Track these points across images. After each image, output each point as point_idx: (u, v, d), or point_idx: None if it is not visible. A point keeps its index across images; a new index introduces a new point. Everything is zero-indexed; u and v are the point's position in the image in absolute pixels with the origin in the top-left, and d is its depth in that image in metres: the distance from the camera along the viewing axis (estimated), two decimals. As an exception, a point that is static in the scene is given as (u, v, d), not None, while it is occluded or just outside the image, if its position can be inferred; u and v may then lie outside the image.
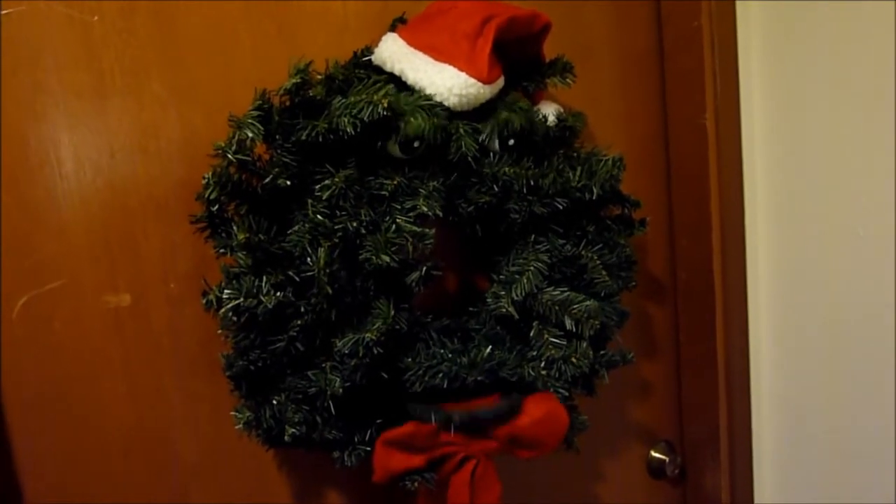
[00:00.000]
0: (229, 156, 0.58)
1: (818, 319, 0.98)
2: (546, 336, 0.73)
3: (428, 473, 0.68)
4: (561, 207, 0.72)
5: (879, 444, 0.94)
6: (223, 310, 0.60)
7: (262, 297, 0.59)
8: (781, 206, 0.99)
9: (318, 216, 0.62)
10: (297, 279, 0.61)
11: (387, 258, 0.61)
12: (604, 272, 0.76)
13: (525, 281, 0.72)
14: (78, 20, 0.63)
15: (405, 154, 0.66)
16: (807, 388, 1.01)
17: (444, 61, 0.66)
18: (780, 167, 0.98)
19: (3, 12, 0.61)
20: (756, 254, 1.01)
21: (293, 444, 0.64)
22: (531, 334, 0.74)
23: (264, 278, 0.60)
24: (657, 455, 1.05)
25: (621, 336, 0.81)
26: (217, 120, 0.65)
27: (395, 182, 0.65)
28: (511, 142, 0.71)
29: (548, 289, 0.73)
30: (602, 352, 0.78)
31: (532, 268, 0.73)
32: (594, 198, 0.73)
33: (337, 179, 0.62)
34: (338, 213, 0.63)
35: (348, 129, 0.61)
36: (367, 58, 0.69)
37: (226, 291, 0.59)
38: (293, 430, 0.62)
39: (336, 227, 0.62)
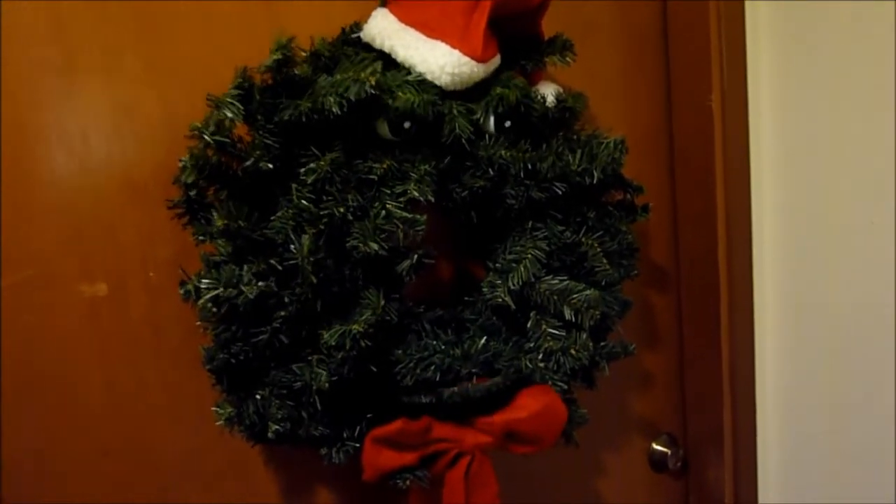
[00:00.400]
0: (206, 137, 0.54)
1: (826, 311, 0.95)
2: (544, 327, 0.70)
3: (420, 471, 0.65)
4: (560, 192, 0.69)
5: (888, 442, 0.91)
6: (202, 300, 0.56)
7: (242, 287, 0.56)
8: (790, 193, 0.96)
9: (303, 201, 0.58)
10: (279, 268, 0.57)
11: (375, 246, 0.58)
12: (605, 260, 0.73)
13: (522, 269, 0.69)
14: (47, -8, 0.60)
15: (395, 136, 0.63)
16: (814, 382, 0.99)
17: (437, 38, 0.63)
18: (789, 152, 0.95)
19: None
20: (762, 242, 0.98)
21: (277, 441, 0.61)
22: (529, 325, 0.71)
23: (245, 267, 0.57)
24: (659, 448, 1.03)
25: (622, 326, 0.78)
26: (198, 99, 0.61)
27: (385, 166, 0.62)
28: (507, 123, 0.68)
29: (546, 277, 0.70)
30: (602, 343, 0.76)
31: (529, 255, 0.70)
32: (595, 182, 0.70)
33: (322, 163, 0.58)
34: (324, 198, 0.59)
35: (334, 109, 0.57)
36: (355, 34, 0.66)
37: (204, 281, 0.56)
38: (277, 426, 0.59)
39: (322, 212, 0.58)
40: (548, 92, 0.72)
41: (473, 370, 0.65)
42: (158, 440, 0.68)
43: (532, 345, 0.70)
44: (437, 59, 0.62)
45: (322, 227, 0.58)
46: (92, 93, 0.62)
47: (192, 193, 0.57)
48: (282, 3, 0.69)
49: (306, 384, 0.59)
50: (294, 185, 0.59)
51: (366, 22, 0.65)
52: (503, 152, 0.66)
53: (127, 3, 0.63)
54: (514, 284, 0.68)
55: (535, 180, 0.68)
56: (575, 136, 0.72)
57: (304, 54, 0.61)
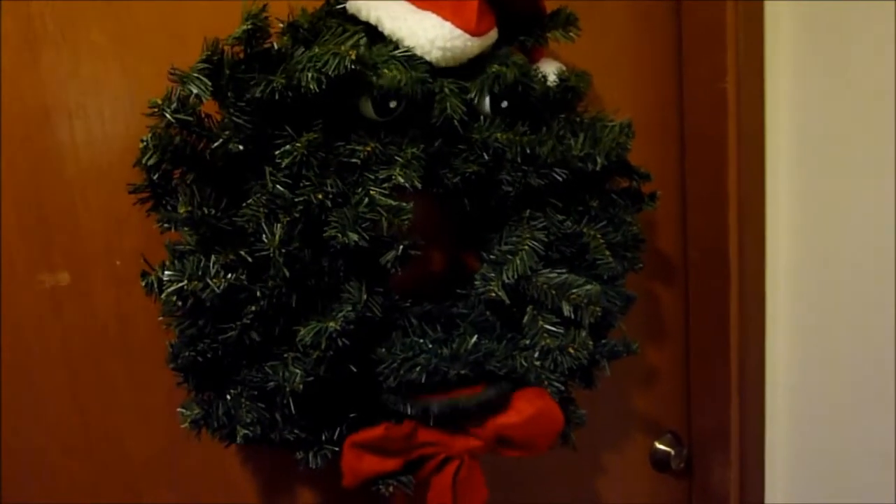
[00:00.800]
0: (167, 115, 0.49)
1: (842, 307, 0.90)
2: (541, 323, 0.66)
3: (404, 476, 0.61)
4: (560, 179, 0.64)
5: (905, 443, 0.87)
6: (165, 294, 0.52)
7: (209, 280, 0.52)
8: (807, 181, 0.91)
9: (278, 187, 0.54)
10: (249, 260, 0.53)
11: (355, 236, 0.53)
12: (607, 252, 0.69)
13: (518, 261, 0.65)
14: (1, -45, 0.55)
15: (380, 116, 0.58)
16: (826, 380, 0.95)
17: (427, 9, 0.59)
18: (807, 138, 0.90)
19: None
20: (777, 233, 0.94)
21: (248, 444, 0.56)
22: (524, 321, 0.66)
23: (213, 258, 0.52)
24: (662, 447, 0.99)
25: (624, 319, 0.73)
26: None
27: (369, 149, 0.57)
28: (504, 104, 0.63)
29: (543, 271, 0.66)
30: (603, 341, 0.71)
31: (526, 247, 0.65)
32: (598, 168, 0.65)
33: (299, 145, 0.54)
34: (301, 183, 0.54)
35: (311, 86, 0.52)
36: (340, 5, 0.61)
37: (167, 273, 0.51)
38: (245, 431, 0.55)
39: (297, 199, 0.53)
40: (549, 70, 0.67)
41: (462, 371, 0.61)
42: (126, 439, 0.64)
43: (528, 342, 0.66)
44: (426, 32, 0.57)
45: (297, 214, 0.54)
46: (52, 67, 0.57)
47: (155, 177, 0.52)
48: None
49: (279, 385, 0.55)
50: (268, 169, 0.54)
51: (353, -9, 0.60)
52: (499, 135, 0.62)
53: (90, -32, 0.58)
54: (508, 278, 0.64)
55: (534, 166, 0.64)
56: (578, 119, 0.68)
57: (281, 25, 0.56)
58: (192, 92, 0.50)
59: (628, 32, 0.87)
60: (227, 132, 0.52)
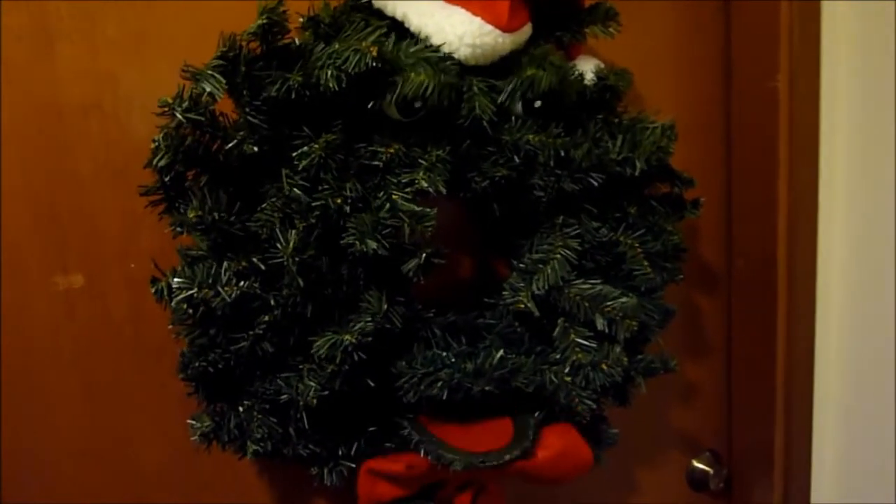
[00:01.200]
0: (178, 114, 0.47)
1: (901, 322, 0.84)
2: (572, 337, 0.63)
3: (421, 501, 0.58)
4: (596, 184, 0.61)
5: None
6: (175, 301, 0.50)
7: (220, 288, 0.49)
8: (864, 187, 0.86)
9: (295, 190, 0.51)
10: (262, 267, 0.50)
11: (374, 244, 0.51)
12: (645, 262, 0.65)
13: (549, 271, 0.61)
14: (18, -51, 0.54)
15: (404, 116, 0.55)
16: (881, 400, 0.89)
17: (456, 4, 0.56)
18: (865, 141, 0.84)
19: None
20: (830, 242, 0.88)
21: (259, 458, 0.54)
22: (555, 334, 0.63)
23: (224, 265, 0.50)
24: (700, 466, 0.94)
25: (662, 333, 0.69)
26: (187, 71, 0.55)
27: (392, 150, 0.54)
28: (537, 104, 0.59)
29: (576, 281, 0.62)
30: (639, 356, 0.67)
31: (558, 255, 0.62)
32: (637, 173, 0.62)
33: (316, 146, 0.51)
34: (319, 187, 0.52)
35: (331, 84, 0.50)
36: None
37: (176, 280, 0.49)
38: (255, 447, 0.53)
39: (314, 203, 0.51)
40: (587, 68, 0.64)
41: (487, 388, 0.57)
42: (138, 445, 0.62)
43: (558, 356, 0.63)
44: (454, 28, 0.55)
45: (314, 220, 0.51)
46: (68, 63, 0.56)
47: (167, 178, 0.50)
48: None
49: (293, 398, 0.52)
50: (285, 172, 0.51)
51: (379, -15, 0.57)
52: (531, 137, 0.59)
53: (107, -39, 0.56)
54: (538, 288, 0.61)
55: (568, 170, 0.60)
56: (616, 120, 0.65)
57: (301, 20, 0.53)
58: (204, 90, 0.48)
59: (672, 26, 0.83)
60: (241, 132, 0.50)
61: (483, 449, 0.58)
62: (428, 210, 0.53)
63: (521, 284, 0.61)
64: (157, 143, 0.49)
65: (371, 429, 0.59)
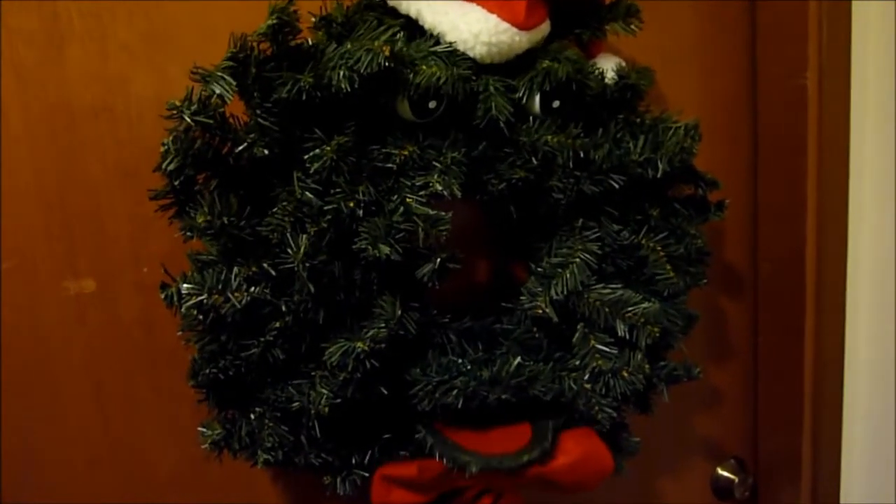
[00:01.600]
0: (186, 117, 0.46)
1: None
2: (592, 343, 0.61)
3: (438, 509, 0.57)
4: (617, 186, 0.60)
5: None
6: (184, 307, 0.49)
7: (230, 294, 0.48)
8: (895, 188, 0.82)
9: (307, 194, 0.50)
10: (273, 273, 0.49)
11: (387, 249, 0.49)
12: (668, 266, 0.64)
13: (568, 275, 0.60)
14: (27, -49, 0.53)
15: (418, 117, 0.54)
16: (914, 408, 0.86)
17: (471, 1, 0.54)
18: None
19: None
20: (859, 244, 0.86)
21: (270, 467, 0.53)
22: (574, 340, 0.61)
23: (235, 270, 0.49)
24: (724, 473, 0.92)
25: (686, 339, 0.67)
26: (198, 73, 0.54)
27: (406, 153, 0.53)
28: (556, 103, 0.58)
29: (596, 286, 0.61)
30: (661, 363, 0.65)
31: (578, 259, 0.60)
32: (659, 175, 0.60)
33: (328, 149, 0.50)
34: (332, 191, 0.50)
35: (342, 85, 0.48)
36: (380, -2, 0.56)
37: (185, 285, 0.48)
38: (266, 455, 0.52)
39: (326, 207, 0.49)
40: (607, 66, 0.62)
41: (503, 396, 0.56)
42: (151, 450, 0.62)
43: (577, 363, 0.61)
44: (470, 26, 0.53)
45: (326, 224, 0.50)
46: (78, 66, 0.55)
47: (177, 182, 0.49)
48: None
49: (304, 406, 0.51)
50: (296, 175, 0.50)
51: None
52: (549, 137, 0.57)
53: (118, -38, 0.55)
54: (557, 293, 0.59)
55: (588, 171, 0.59)
56: (638, 120, 0.63)
57: (313, 20, 0.52)
58: (214, 92, 0.47)
59: (695, 23, 0.81)
60: (252, 135, 0.49)
61: (500, 452, 0.57)
62: (443, 214, 0.51)
63: (540, 289, 0.60)
64: (166, 147, 0.48)
65: (385, 437, 0.58)
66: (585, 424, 0.62)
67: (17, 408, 0.57)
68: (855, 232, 0.85)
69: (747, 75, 0.84)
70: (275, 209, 0.50)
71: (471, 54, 0.53)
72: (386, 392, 0.53)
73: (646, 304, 0.60)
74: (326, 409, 0.50)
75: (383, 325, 0.52)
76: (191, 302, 0.48)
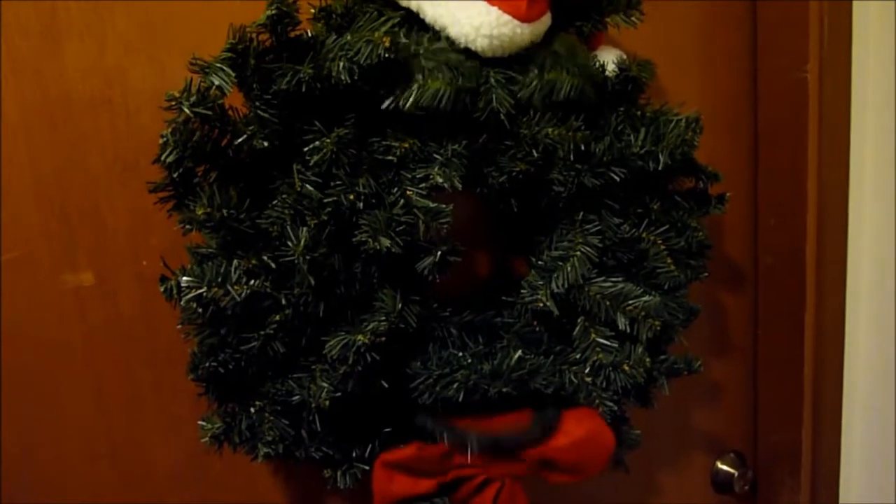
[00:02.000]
0: (185, 108, 0.46)
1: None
2: (593, 336, 0.61)
3: (439, 499, 0.57)
4: (618, 179, 0.59)
5: None
6: (184, 300, 0.48)
7: (230, 287, 0.48)
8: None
9: (307, 186, 0.50)
10: (273, 265, 0.49)
11: (387, 242, 0.49)
12: (669, 260, 0.63)
13: (569, 269, 0.59)
14: (24, -58, 0.53)
15: (419, 110, 0.53)
16: (914, 401, 0.86)
17: (473, -8, 0.53)
18: (898, 133, 0.81)
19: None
20: (860, 238, 0.86)
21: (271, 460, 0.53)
22: (575, 333, 0.61)
23: (234, 263, 0.49)
24: (724, 467, 0.92)
25: (686, 333, 0.67)
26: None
27: (406, 145, 0.53)
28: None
29: (597, 279, 0.60)
30: (662, 357, 0.66)
31: (578, 253, 0.60)
32: (660, 168, 0.59)
33: (328, 141, 0.49)
34: (332, 183, 0.50)
35: (342, 77, 0.48)
36: (380, -12, 0.56)
37: (185, 278, 0.48)
38: (266, 449, 0.51)
39: (326, 200, 0.49)
40: (608, 59, 0.62)
41: (504, 389, 0.56)
42: (151, 444, 0.62)
43: (578, 357, 0.61)
44: (471, 19, 0.53)
45: (326, 217, 0.49)
46: (76, 58, 0.55)
47: (176, 174, 0.49)
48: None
49: (305, 400, 0.51)
50: (296, 168, 0.50)
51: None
52: (550, 130, 0.56)
53: (116, -47, 0.55)
54: (558, 286, 0.59)
55: (588, 164, 0.59)
56: (639, 112, 0.62)
57: (313, 11, 0.52)
58: (213, 83, 0.47)
59: (696, 15, 0.81)
60: (251, 127, 0.48)
61: (501, 430, 0.57)
62: (443, 206, 0.51)
63: (540, 282, 0.59)
64: (165, 139, 0.48)
65: (386, 430, 0.57)
66: (586, 417, 0.61)
67: (15, 401, 0.57)
68: (855, 225, 0.85)
69: (748, 68, 0.83)
70: (275, 202, 0.50)
71: (472, 47, 0.53)
72: (386, 385, 0.53)
73: (646, 298, 0.60)
74: (327, 403, 0.50)
75: (384, 318, 0.52)
76: (190, 295, 0.48)
